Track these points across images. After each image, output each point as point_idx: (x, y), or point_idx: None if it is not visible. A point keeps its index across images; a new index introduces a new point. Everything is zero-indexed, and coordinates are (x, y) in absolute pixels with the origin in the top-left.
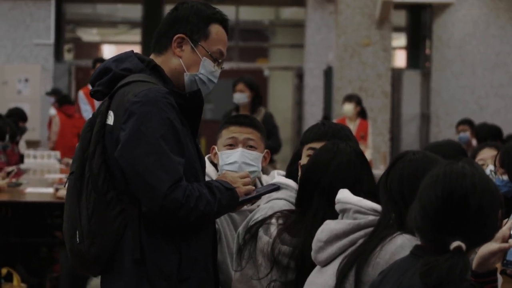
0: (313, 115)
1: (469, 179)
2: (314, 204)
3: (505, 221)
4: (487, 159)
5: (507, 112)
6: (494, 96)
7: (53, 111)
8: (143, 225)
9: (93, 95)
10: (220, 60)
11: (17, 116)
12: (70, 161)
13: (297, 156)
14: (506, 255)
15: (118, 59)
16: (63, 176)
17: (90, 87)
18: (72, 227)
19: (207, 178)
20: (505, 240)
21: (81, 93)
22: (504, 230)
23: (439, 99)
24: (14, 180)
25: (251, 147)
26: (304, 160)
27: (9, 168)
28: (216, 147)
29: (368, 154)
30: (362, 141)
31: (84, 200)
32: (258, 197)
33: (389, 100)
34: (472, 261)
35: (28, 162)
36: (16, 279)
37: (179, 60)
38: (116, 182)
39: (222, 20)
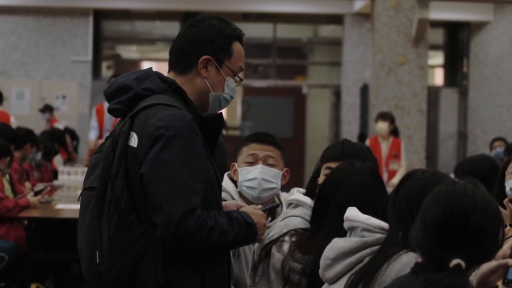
0: (349, 133)
1: (470, 198)
2: (327, 222)
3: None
4: None
5: None
6: None
7: (92, 135)
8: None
9: (110, 111)
10: (240, 77)
11: (55, 137)
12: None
13: (317, 173)
14: (507, 274)
15: (138, 77)
16: None
17: (106, 104)
18: (92, 247)
19: (226, 195)
20: (505, 258)
21: (93, 110)
22: (504, 249)
23: (476, 117)
24: (46, 197)
25: (270, 165)
26: (321, 179)
27: (40, 186)
28: (236, 164)
29: (401, 173)
30: (395, 160)
31: (105, 221)
32: None
33: (425, 118)
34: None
35: (62, 179)
36: None
37: (205, 81)
38: (138, 204)
39: (240, 37)
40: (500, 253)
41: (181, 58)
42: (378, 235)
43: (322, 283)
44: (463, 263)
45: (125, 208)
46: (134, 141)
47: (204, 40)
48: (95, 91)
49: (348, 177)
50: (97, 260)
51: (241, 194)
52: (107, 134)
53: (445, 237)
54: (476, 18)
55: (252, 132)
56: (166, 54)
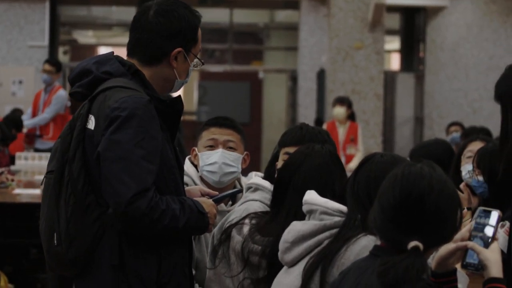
0: (306, 118)
1: (426, 180)
2: (286, 204)
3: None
4: (476, 151)
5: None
6: (487, 99)
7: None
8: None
9: (72, 95)
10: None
11: (12, 122)
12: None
13: (275, 158)
14: (466, 256)
15: (98, 61)
16: None
17: (42, 91)
18: (50, 229)
19: (188, 179)
20: (464, 241)
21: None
22: (463, 232)
23: (432, 102)
24: (7, 178)
25: (231, 148)
26: (280, 163)
27: None
28: (196, 149)
29: (358, 157)
30: (352, 144)
31: (62, 203)
32: (220, 199)
33: (381, 103)
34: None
35: (19, 164)
36: (3, 279)
37: (173, 70)
38: (95, 186)
39: (200, 20)
40: (459, 235)
41: (149, 50)
42: (336, 218)
43: (282, 265)
44: (421, 245)
45: (82, 190)
46: (91, 123)
47: (176, 33)
48: None
49: (307, 160)
50: (55, 242)
51: (202, 179)
52: None
53: (403, 219)
54: (432, 3)
55: (209, 117)
56: (122, 39)
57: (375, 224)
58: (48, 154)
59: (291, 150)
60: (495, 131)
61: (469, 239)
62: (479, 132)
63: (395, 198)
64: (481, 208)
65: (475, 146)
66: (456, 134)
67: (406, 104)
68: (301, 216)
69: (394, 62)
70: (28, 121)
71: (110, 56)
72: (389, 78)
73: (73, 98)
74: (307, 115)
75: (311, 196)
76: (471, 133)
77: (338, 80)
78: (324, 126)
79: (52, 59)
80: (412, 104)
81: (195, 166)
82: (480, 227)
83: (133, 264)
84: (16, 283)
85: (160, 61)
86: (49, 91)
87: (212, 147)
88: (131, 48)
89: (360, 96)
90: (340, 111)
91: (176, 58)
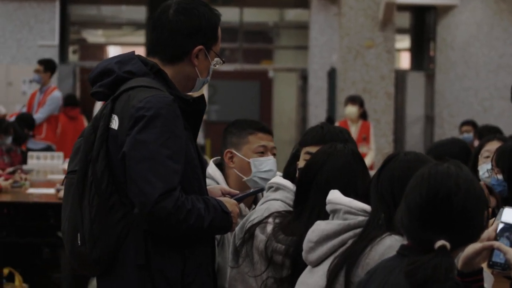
0: (317, 117)
1: (453, 180)
2: (309, 204)
3: (491, 221)
4: (493, 151)
5: (511, 114)
6: (498, 98)
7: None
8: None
9: (93, 95)
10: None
11: (25, 122)
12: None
13: (295, 157)
14: (492, 256)
15: (120, 60)
16: None
17: (38, 91)
18: (73, 229)
19: (213, 183)
20: (490, 240)
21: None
22: (489, 231)
23: (443, 100)
24: (21, 177)
25: (274, 155)
26: (301, 163)
27: (10, 169)
28: (234, 151)
29: (370, 156)
30: (364, 143)
31: (86, 203)
32: (242, 198)
33: (392, 102)
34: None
35: (31, 163)
36: (17, 279)
37: (195, 69)
38: (119, 186)
39: (220, 18)
40: (485, 235)
41: (170, 48)
42: (360, 218)
43: (306, 264)
44: (448, 244)
45: (106, 190)
46: (115, 123)
47: (197, 30)
48: (62, 75)
49: (330, 159)
50: (79, 242)
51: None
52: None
53: (429, 219)
54: (442, 2)
55: (219, 116)
56: (132, 39)
57: (402, 224)
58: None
59: (312, 149)
60: (506, 129)
61: (496, 238)
62: (491, 131)
63: (421, 197)
64: (507, 207)
65: (493, 145)
66: (466, 135)
67: (417, 103)
68: (324, 215)
69: (405, 61)
70: None
71: (132, 55)
72: (400, 77)
73: (95, 97)
74: (317, 114)
75: (335, 196)
76: (483, 132)
77: (349, 79)
78: (336, 125)
79: (43, 59)
80: (422, 103)
81: (221, 169)
82: (507, 227)
83: (159, 264)
84: (31, 282)
85: (181, 59)
86: (44, 91)
87: (262, 153)
88: (152, 48)
89: (371, 95)
90: (352, 110)
91: (197, 56)
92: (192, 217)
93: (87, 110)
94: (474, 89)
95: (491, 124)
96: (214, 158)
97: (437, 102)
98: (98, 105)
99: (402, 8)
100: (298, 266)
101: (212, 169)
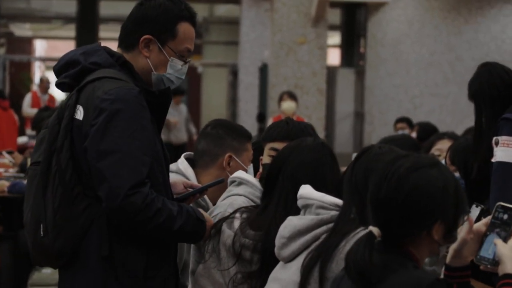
0: (247, 112)
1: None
2: (275, 198)
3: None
4: (444, 150)
5: (441, 111)
6: (428, 95)
7: None
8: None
9: (58, 86)
10: (187, 58)
11: None
12: (6, 154)
13: (256, 152)
14: (480, 250)
15: (85, 51)
16: (2, 170)
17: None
18: (36, 220)
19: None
20: (479, 235)
21: None
22: (479, 225)
23: (373, 97)
24: None
25: None
26: (266, 159)
27: None
28: (237, 158)
29: None
30: None
31: (49, 194)
32: (201, 190)
33: (324, 98)
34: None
35: None
36: None
37: (147, 60)
38: (83, 177)
39: (190, 17)
40: (475, 228)
41: (126, 36)
42: (333, 212)
43: (274, 259)
44: (375, 230)
45: (69, 181)
46: (80, 114)
47: (147, 20)
48: None
49: (299, 153)
50: (41, 233)
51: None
52: None
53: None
54: None
55: None
56: (61, 32)
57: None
58: None
59: (278, 145)
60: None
61: (485, 233)
62: (432, 130)
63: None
64: (499, 203)
65: (444, 144)
66: (401, 132)
67: (347, 99)
68: (291, 209)
69: (334, 58)
70: None
71: (98, 47)
72: (330, 74)
73: (59, 88)
74: (247, 109)
75: (306, 191)
76: (425, 131)
77: (281, 74)
78: (270, 121)
79: None
80: (352, 99)
81: (192, 165)
82: (498, 223)
83: (122, 256)
84: None
85: (132, 48)
86: None
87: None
88: (119, 38)
89: (303, 91)
90: (291, 105)
91: (148, 47)
92: (162, 216)
93: (15, 104)
94: (404, 86)
95: (427, 121)
96: (186, 153)
97: (367, 99)
98: (27, 99)
99: (334, 4)
100: (266, 260)
101: (184, 166)
